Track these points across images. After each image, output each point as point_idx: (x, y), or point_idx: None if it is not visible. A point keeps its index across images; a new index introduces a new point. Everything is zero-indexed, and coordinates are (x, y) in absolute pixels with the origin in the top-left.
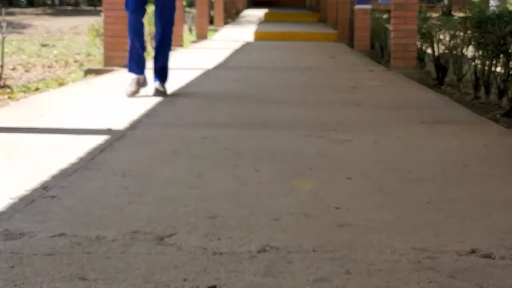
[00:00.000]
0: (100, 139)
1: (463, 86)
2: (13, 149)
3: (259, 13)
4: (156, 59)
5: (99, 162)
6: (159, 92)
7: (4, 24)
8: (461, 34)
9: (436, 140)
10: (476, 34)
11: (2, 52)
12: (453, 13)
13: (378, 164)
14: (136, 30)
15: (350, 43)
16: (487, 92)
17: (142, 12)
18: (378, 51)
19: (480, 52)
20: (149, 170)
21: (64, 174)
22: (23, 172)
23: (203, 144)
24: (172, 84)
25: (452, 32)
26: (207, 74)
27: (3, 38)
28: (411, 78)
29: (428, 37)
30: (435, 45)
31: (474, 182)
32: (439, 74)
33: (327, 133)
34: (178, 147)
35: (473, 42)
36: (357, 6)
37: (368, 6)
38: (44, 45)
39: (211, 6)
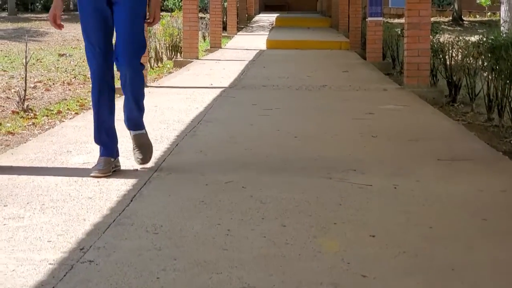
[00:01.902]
0: (129, 183)
1: (476, 104)
2: (46, 198)
3: (271, 18)
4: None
5: (130, 214)
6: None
7: (26, 55)
8: (473, 58)
9: (454, 184)
10: (490, 60)
11: (25, 78)
12: (464, 17)
13: (400, 216)
14: (109, 86)
15: (362, 52)
16: (500, 115)
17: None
18: (390, 62)
19: (494, 75)
20: (180, 225)
21: (98, 231)
22: (58, 228)
23: (229, 191)
24: (195, 107)
25: (465, 52)
26: (225, 96)
27: (26, 63)
28: (424, 97)
29: (440, 54)
30: (447, 62)
31: (495, 241)
32: (451, 92)
33: (347, 175)
34: (205, 195)
35: (486, 65)
36: (369, 19)
37: (380, 18)
38: (61, 55)
39: (224, 11)
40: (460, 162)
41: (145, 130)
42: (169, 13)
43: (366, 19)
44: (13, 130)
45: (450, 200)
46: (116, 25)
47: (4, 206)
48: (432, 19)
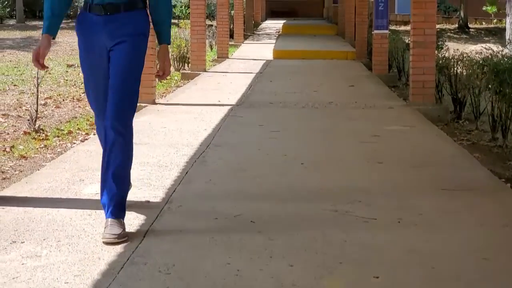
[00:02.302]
0: (141, 217)
1: (481, 121)
2: (61, 233)
3: (277, 25)
4: (107, 163)
5: (143, 252)
6: (110, 238)
7: (37, 78)
8: (477, 78)
9: (455, 218)
10: (494, 83)
11: (37, 100)
12: (470, 25)
13: (403, 255)
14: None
15: (368, 61)
16: (504, 135)
17: None
18: (396, 73)
19: (497, 97)
20: (191, 265)
21: (113, 271)
22: (75, 268)
23: (238, 227)
24: (203, 128)
25: (470, 70)
26: (233, 115)
27: (38, 84)
28: (429, 114)
29: (445, 71)
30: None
31: (496, 284)
32: (456, 108)
33: (353, 207)
34: (215, 231)
35: (490, 87)
36: (375, 31)
37: (386, 31)
38: (70, 66)
39: (231, 19)
40: (462, 192)
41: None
42: (176, 21)
43: (372, 32)
44: (26, 153)
45: (451, 236)
46: (110, 75)
47: (22, 243)
48: (438, 26)
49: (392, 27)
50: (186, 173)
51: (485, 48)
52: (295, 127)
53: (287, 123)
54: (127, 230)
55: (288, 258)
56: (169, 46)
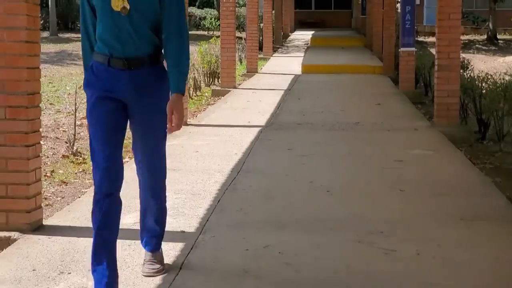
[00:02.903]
0: (177, 248)
1: (505, 142)
2: None
3: (306, 36)
4: (144, 216)
5: (180, 284)
6: (150, 273)
7: (75, 104)
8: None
9: (472, 250)
10: None
11: (75, 122)
12: (499, 36)
13: None
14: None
15: (395, 76)
16: None
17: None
18: (423, 89)
19: None
20: None
21: None
22: None
23: (267, 258)
24: (234, 153)
25: (493, 94)
26: (262, 138)
27: (76, 110)
28: (454, 136)
29: (470, 92)
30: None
31: None
32: (481, 129)
33: (375, 238)
34: (246, 262)
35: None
36: (402, 49)
37: (413, 49)
38: None
39: (260, 31)
40: (481, 222)
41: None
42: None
43: (399, 50)
44: (66, 178)
45: (468, 270)
46: (137, 139)
47: (68, 273)
48: (467, 37)
49: (420, 38)
50: (218, 201)
51: None
52: (322, 152)
53: (314, 147)
54: (165, 260)
55: None
56: (200, 63)
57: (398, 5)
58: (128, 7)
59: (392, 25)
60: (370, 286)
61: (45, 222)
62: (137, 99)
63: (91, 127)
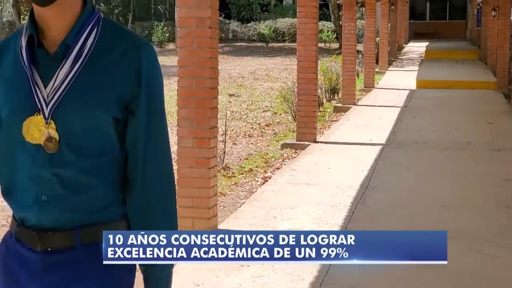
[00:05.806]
0: None
1: None
2: None
3: (420, 48)
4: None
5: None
6: None
7: (225, 123)
8: None
9: None
10: None
11: (225, 141)
12: None
13: None
14: None
15: (509, 92)
16: None
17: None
18: None
19: None
20: None
21: None
22: (289, 285)
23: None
24: (360, 170)
25: None
26: (384, 156)
27: (226, 130)
28: None
29: None
30: None
31: None
32: None
33: (481, 246)
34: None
35: None
36: None
37: None
38: (231, 95)
39: (376, 46)
40: None
41: None
42: (323, 45)
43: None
44: (222, 190)
45: None
46: None
47: (248, 266)
48: None
49: None
50: (353, 212)
51: None
52: (437, 170)
53: (430, 165)
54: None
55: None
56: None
57: None
58: (56, 137)
59: (506, 42)
60: (477, 282)
61: (219, 226)
62: None
63: None
